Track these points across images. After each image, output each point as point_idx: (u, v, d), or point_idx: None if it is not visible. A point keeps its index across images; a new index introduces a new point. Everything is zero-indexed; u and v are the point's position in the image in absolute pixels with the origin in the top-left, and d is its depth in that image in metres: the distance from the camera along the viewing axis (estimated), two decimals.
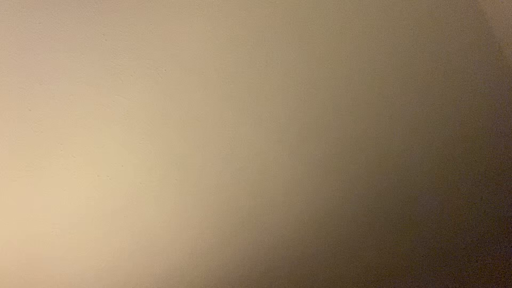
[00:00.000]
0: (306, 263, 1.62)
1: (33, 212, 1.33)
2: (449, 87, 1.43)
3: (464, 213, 1.59)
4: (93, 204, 1.37)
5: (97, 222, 1.39)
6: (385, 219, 1.58)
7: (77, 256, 1.41)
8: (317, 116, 1.42)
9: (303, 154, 1.45)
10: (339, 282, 1.66)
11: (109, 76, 1.27)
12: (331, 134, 1.44)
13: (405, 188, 1.54)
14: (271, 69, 1.35)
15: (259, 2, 1.29)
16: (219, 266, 1.61)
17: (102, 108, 1.30)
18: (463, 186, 1.55)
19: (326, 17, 1.32)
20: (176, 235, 1.50)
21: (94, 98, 1.28)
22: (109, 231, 1.41)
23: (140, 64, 1.28)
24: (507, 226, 1.64)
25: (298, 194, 1.50)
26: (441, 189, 1.56)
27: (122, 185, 1.37)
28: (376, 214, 1.56)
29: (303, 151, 1.45)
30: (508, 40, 1.34)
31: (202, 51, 1.31)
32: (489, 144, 1.50)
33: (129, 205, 1.39)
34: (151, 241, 1.45)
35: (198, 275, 1.61)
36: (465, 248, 1.65)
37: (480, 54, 1.39)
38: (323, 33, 1.34)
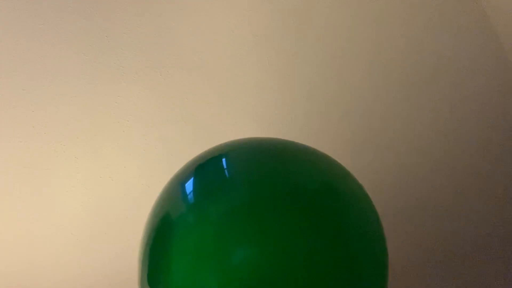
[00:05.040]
0: None
1: (35, 213, 1.33)
2: (452, 87, 1.43)
3: (466, 213, 1.59)
4: (96, 205, 1.36)
5: (99, 223, 1.38)
6: (388, 220, 1.57)
7: (78, 257, 1.40)
8: (320, 116, 1.42)
9: None
10: None
11: (111, 77, 1.28)
12: (335, 134, 1.44)
13: (406, 188, 1.54)
14: (273, 69, 1.35)
15: (261, 2, 1.29)
16: None
17: (104, 109, 1.30)
18: (466, 186, 1.55)
19: (331, 19, 1.33)
20: None
21: (96, 99, 1.29)
22: (111, 232, 1.40)
23: (143, 65, 1.28)
24: (509, 227, 1.63)
25: None
26: (443, 189, 1.55)
27: (125, 186, 1.37)
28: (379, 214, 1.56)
29: None
30: (510, 39, 1.34)
31: (204, 51, 1.31)
32: (492, 143, 1.50)
33: (132, 206, 1.39)
34: None
35: None
36: (467, 249, 1.65)
37: (484, 54, 1.39)
38: (327, 35, 1.34)
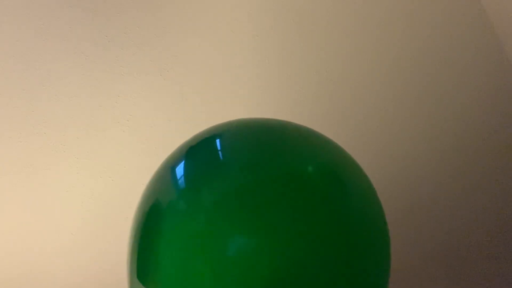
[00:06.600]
0: None
1: (35, 213, 1.33)
2: (452, 87, 1.43)
3: (467, 213, 1.58)
4: (96, 206, 1.36)
5: (99, 223, 1.38)
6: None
7: (78, 258, 1.40)
8: (321, 116, 1.41)
9: None
10: None
11: (112, 77, 1.28)
12: (336, 134, 1.44)
13: (407, 189, 1.53)
14: (273, 69, 1.35)
15: (261, 2, 1.29)
16: None
17: (105, 109, 1.30)
18: (466, 186, 1.54)
19: (332, 19, 1.33)
20: None
21: (97, 99, 1.29)
22: (111, 232, 1.40)
23: (143, 65, 1.29)
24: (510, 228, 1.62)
25: None
26: (443, 189, 1.54)
27: (125, 186, 1.37)
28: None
29: None
30: (510, 39, 1.34)
31: (204, 51, 1.31)
32: (492, 143, 1.49)
33: (132, 206, 1.38)
34: None
35: None
36: (468, 249, 1.63)
37: (484, 54, 1.39)
38: (328, 35, 1.34)
